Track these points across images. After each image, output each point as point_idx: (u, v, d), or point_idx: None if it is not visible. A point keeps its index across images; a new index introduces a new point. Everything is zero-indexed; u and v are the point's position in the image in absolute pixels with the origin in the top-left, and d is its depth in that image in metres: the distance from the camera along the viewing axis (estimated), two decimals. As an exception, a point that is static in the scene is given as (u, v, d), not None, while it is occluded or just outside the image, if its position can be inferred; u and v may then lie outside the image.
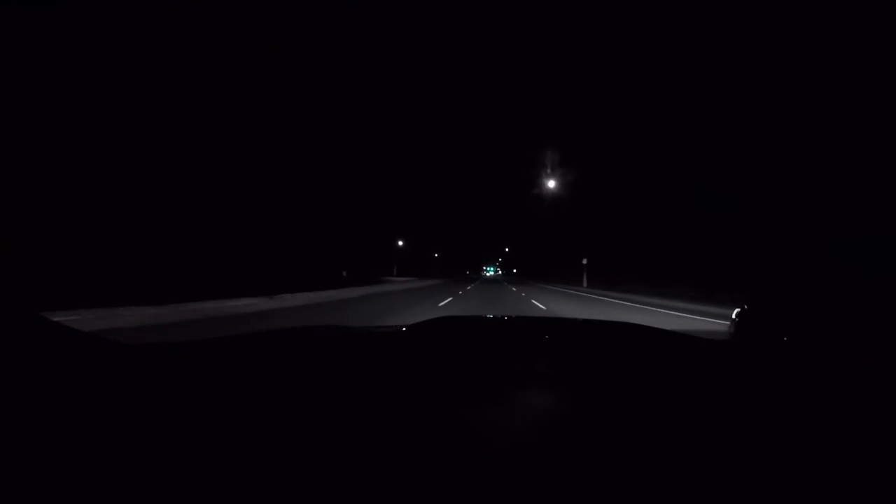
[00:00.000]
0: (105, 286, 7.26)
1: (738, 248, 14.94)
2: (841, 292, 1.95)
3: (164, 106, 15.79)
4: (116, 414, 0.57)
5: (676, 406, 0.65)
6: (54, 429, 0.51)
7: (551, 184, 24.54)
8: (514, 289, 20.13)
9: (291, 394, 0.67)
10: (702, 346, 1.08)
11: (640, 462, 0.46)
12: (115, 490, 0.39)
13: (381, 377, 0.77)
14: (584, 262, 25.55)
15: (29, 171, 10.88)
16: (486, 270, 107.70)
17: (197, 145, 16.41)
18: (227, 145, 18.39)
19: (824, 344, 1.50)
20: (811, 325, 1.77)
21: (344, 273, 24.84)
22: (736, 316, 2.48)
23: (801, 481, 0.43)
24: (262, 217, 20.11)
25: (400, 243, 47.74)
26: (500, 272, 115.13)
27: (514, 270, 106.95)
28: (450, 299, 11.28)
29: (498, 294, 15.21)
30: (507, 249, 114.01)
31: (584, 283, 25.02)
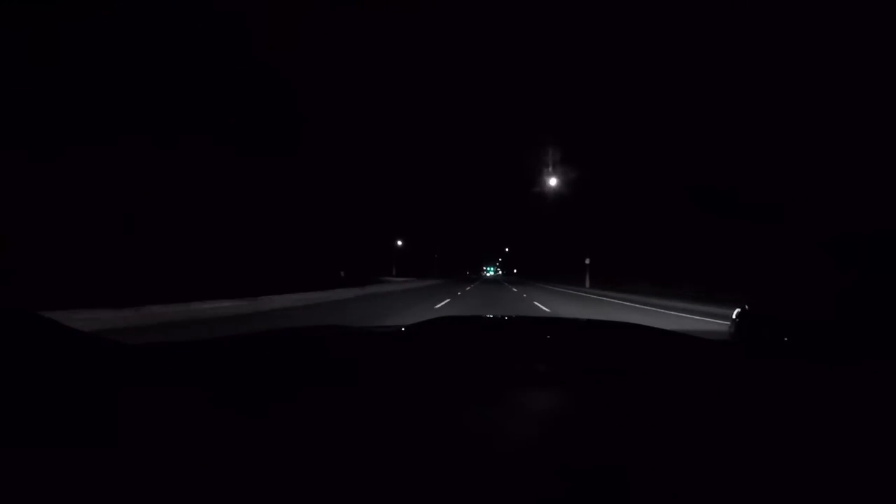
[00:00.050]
0: (84, 287, 7.00)
1: (741, 248, 14.85)
2: (841, 292, 1.95)
3: (164, 106, 15.79)
4: (117, 414, 0.57)
5: (676, 406, 0.65)
6: (55, 429, 0.51)
7: (553, 181, 24.39)
8: (514, 289, 19.72)
9: (291, 394, 0.67)
10: (702, 346, 1.08)
11: (640, 462, 0.46)
12: (115, 490, 0.39)
13: (380, 377, 0.77)
14: (587, 261, 25.08)
15: (28, 171, 10.87)
16: (486, 270, 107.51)
17: (197, 145, 16.41)
18: (226, 145, 18.38)
19: (824, 344, 1.50)
20: (811, 325, 1.77)
21: (342, 273, 24.71)
22: (736, 316, 2.48)
23: (801, 481, 0.43)
24: (262, 217, 20.10)
25: (399, 243, 47.63)
26: (500, 272, 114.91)
27: (515, 270, 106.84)
28: (447, 301, 11.04)
29: (498, 295, 14.90)
30: (507, 249, 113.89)
31: (587, 284, 24.61)
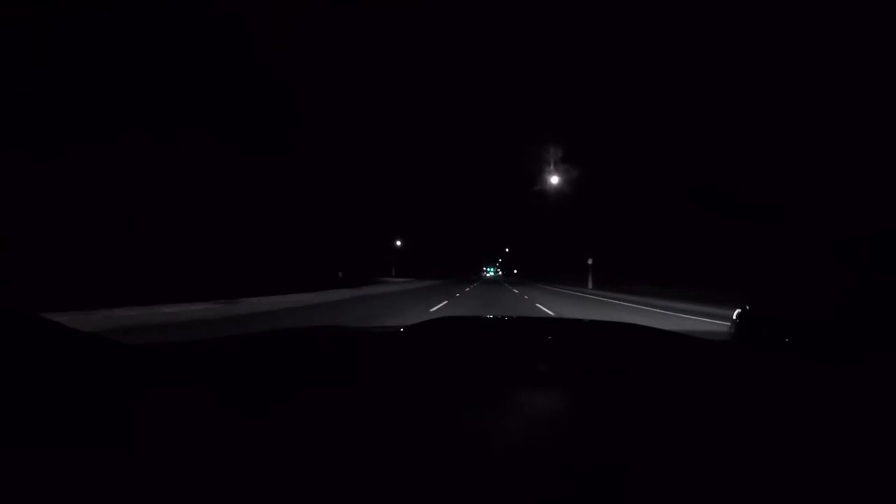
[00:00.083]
0: (63, 287, 6.83)
1: (748, 248, 14.63)
2: (841, 292, 1.95)
3: (164, 106, 15.80)
4: (117, 414, 0.57)
5: (677, 407, 0.65)
6: (55, 429, 0.51)
7: (554, 180, 23.78)
8: (515, 290, 19.09)
9: (291, 394, 0.67)
10: (702, 346, 1.08)
11: (640, 462, 0.46)
12: (116, 490, 0.39)
13: (380, 377, 0.77)
14: (590, 262, 23.85)
15: (27, 171, 10.87)
16: (486, 271, 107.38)
17: (196, 145, 16.41)
18: (226, 145, 18.40)
19: (824, 344, 1.50)
20: (812, 325, 1.77)
21: (340, 274, 24.57)
22: (736, 316, 2.48)
23: (801, 481, 0.43)
24: (260, 217, 20.09)
25: (398, 243, 47.52)
26: (500, 273, 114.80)
27: (515, 271, 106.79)
28: (444, 303, 10.50)
29: (498, 296, 14.25)
30: (507, 250, 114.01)
31: (590, 285, 23.21)
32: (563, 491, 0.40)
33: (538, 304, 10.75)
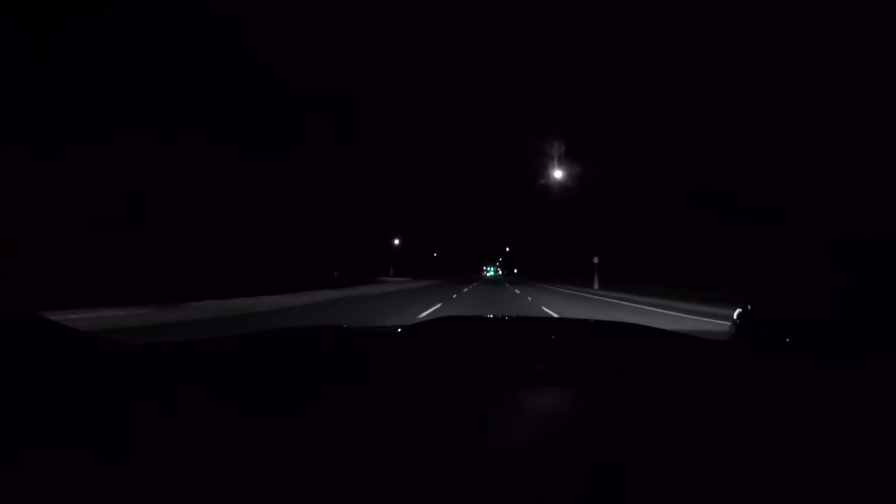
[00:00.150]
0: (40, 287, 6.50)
1: (760, 248, 14.40)
2: (841, 292, 1.95)
3: (164, 106, 15.80)
4: (117, 414, 0.57)
5: (677, 406, 0.65)
6: (55, 429, 0.51)
7: (555, 178, 23.15)
8: (516, 290, 18.21)
9: (291, 394, 0.67)
10: (703, 346, 1.08)
11: (640, 462, 0.46)
12: (117, 490, 0.39)
13: (380, 377, 0.77)
14: (595, 260, 22.18)
15: (27, 170, 10.86)
16: (486, 270, 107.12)
17: (195, 145, 16.40)
18: (226, 146, 18.40)
19: (825, 344, 1.50)
20: (812, 325, 1.77)
21: (335, 273, 24.27)
22: (737, 316, 2.48)
23: (801, 481, 0.43)
24: (258, 216, 20.04)
25: (396, 242, 47.26)
26: (500, 272, 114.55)
27: (515, 270, 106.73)
28: (438, 306, 9.59)
29: (498, 298, 13.33)
30: (507, 249, 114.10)
31: (596, 285, 21.68)
32: (564, 491, 0.40)
33: (544, 307, 9.78)
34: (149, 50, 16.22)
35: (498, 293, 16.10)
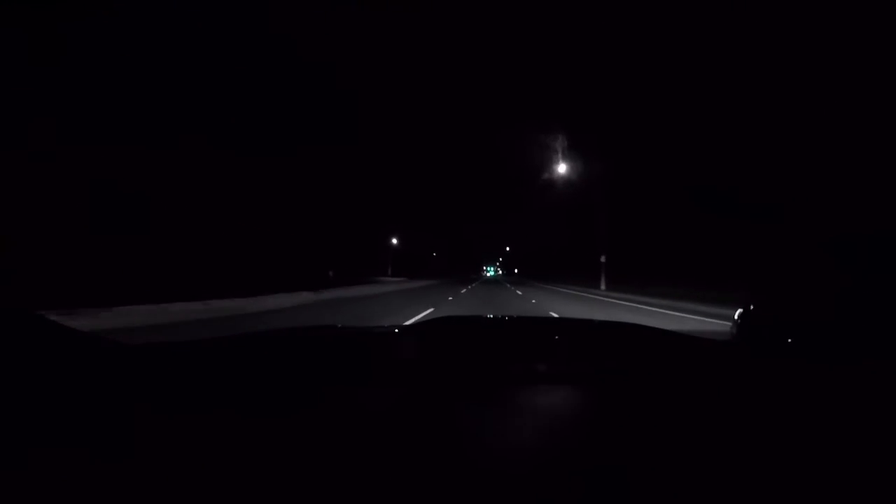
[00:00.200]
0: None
1: (761, 249, 14.08)
2: (841, 292, 1.94)
3: (163, 106, 15.80)
4: (117, 414, 0.57)
5: (678, 406, 0.65)
6: (55, 429, 0.51)
7: (558, 175, 22.57)
8: (518, 292, 17.14)
9: (290, 394, 0.67)
10: (704, 346, 1.08)
11: (640, 462, 0.46)
12: (116, 490, 0.39)
13: (380, 377, 0.77)
14: (602, 259, 20.87)
15: (26, 171, 10.85)
16: (486, 270, 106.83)
17: (194, 144, 16.39)
18: (226, 146, 18.40)
19: (825, 344, 1.50)
20: (813, 325, 1.77)
21: (330, 273, 23.99)
22: (738, 316, 2.48)
23: (802, 481, 0.43)
24: (254, 216, 19.98)
25: (394, 241, 46.98)
26: (500, 272, 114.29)
27: (516, 270, 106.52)
28: (429, 311, 8.47)
29: (499, 301, 12.16)
30: (507, 249, 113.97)
31: (603, 285, 20.34)
32: (564, 491, 0.40)
33: (551, 313, 8.63)
34: (149, 50, 16.25)
35: (498, 295, 14.89)
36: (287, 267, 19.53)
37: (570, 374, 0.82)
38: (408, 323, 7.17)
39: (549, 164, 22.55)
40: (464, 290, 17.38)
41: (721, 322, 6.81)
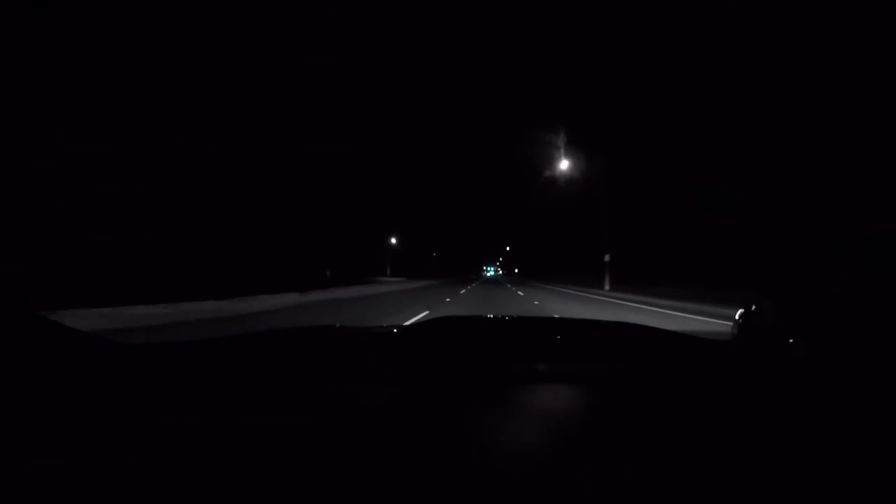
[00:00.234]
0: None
1: (764, 249, 13.80)
2: (841, 292, 1.94)
3: (163, 106, 15.80)
4: (117, 414, 0.57)
5: (679, 406, 0.65)
6: (55, 429, 0.51)
7: (559, 173, 22.25)
8: (520, 293, 16.46)
9: (290, 394, 0.67)
10: (705, 346, 1.08)
11: (641, 463, 0.46)
12: (116, 491, 0.39)
13: (380, 376, 0.77)
14: (607, 258, 19.93)
15: (27, 170, 10.86)
16: (486, 270, 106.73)
17: (194, 144, 16.40)
18: (226, 146, 18.42)
19: (825, 344, 1.50)
20: (814, 325, 1.77)
21: (328, 273, 23.78)
22: (739, 316, 2.48)
23: (803, 481, 0.43)
24: (253, 216, 19.96)
25: (393, 241, 46.81)
26: (500, 272, 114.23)
27: (516, 270, 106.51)
28: (424, 314, 7.88)
29: (500, 303, 11.54)
30: (507, 249, 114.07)
31: (607, 286, 19.47)
32: (564, 491, 0.40)
33: (556, 317, 7.92)
34: (149, 50, 16.26)
35: (499, 297, 14.32)
36: (286, 267, 19.48)
37: (570, 375, 0.82)
38: (407, 324, 7.37)
39: (549, 162, 22.34)
40: (463, 291, 16.93)
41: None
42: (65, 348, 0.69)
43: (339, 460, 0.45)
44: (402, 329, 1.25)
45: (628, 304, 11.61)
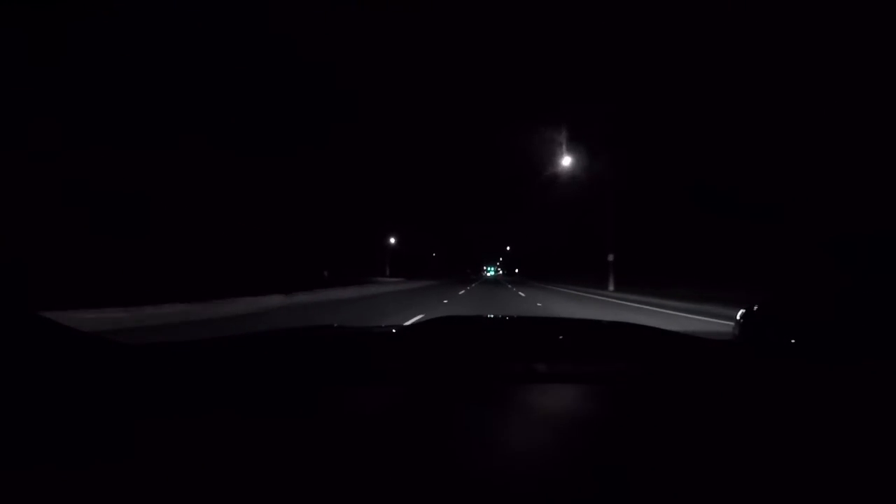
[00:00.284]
0: None
1: (767, 249, 13.45)
2: (841, 292, 1.94)
3: (163, 106, 15.81)
4: (117, 414, 0.57)
5: (680, 407, 0.65)
6: (55, 429, 0.51)
7: (560, 172, 21.90)
8: (521, 294, 16.06)
9: (290, 394, 0.67)
10: (706, 346, 1.08)
11: (641, 463, 0.46)
12: (116, 491, 0.39)
13: (380, 376, 0.77)
14: (611, 258, 19.33)
15: (26, 170, 10.85)
16: (486, 270, 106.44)
17: (194, 144, 16.40)
18: (226, 147, 18.43)
19: (826, 344, 1.50)
20: (815, 325, 1.77)
21: (325, 273, 23.48)
22: (741, 317, 2.48)
23: (804, 481, 0.43)
24: (252, 216, 19.94)
25: (392, 241, 46.54)
26: (500, 272, 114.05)
27: (517, 270, 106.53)
28: (420, 317, 7.00)
29: (500, 304, 11.11)
30: (507, 249, 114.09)
31: (611, 286, 18.73)
32: (564, 491, 0.40)
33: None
34: (149, 51, 16.28)
35: (499, 298, 13.94)
36: (284, 267, 19.41)
37: (570, 375, 0.82)
38: (407, 324, 7.17)
39: (550, 161, 22.17)
40: (462, 292, 16.53)
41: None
42: (64, 348, 0.69)
43: (339, 460, 0.45)
44: (401, 329, 1.25)
45: (635, 305, 11.00)
